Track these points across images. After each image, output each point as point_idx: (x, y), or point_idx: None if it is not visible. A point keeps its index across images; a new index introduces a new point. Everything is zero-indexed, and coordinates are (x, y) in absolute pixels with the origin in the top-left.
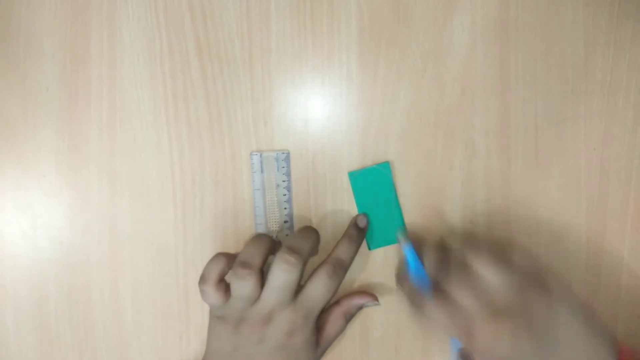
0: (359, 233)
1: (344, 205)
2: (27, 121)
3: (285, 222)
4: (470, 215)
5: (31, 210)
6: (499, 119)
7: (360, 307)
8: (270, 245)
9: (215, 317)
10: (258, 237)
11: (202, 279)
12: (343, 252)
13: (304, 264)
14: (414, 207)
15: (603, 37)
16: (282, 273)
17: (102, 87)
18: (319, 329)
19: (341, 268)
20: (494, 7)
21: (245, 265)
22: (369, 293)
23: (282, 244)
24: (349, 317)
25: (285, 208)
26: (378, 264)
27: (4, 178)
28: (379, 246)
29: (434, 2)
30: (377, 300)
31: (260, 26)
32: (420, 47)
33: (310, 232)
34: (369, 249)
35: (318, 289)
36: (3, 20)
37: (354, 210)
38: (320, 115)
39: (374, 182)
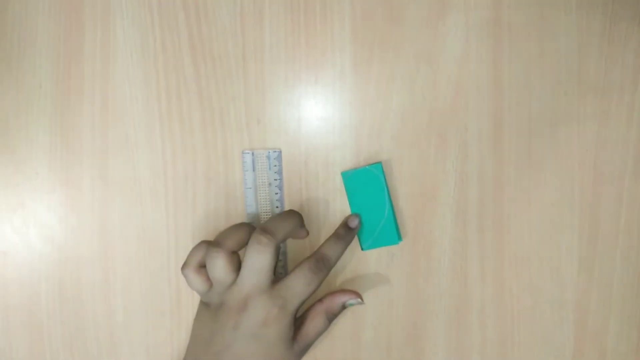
0: (348, 232)
1: (336, 204)
2: (20, 118)
3: None
4: (463, 216)
5: (23, 208)
6: (492, 120)
7: (343, 306)
8: (248, 231)
9: (202, 303)
10: (237, 224)
11: (184, 264)
12: (328, 249)
13: (277, 245)
14: (407, 208)
15: (596, 39)
16: (254, 253)
17: (95, 84)
18: (299, 326)
19: (324, 264)
20: (487, 8)
21: (215, 244)
22: (353, 291)
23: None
24: (331, 316)
25: (277, 207)
26: (371, 264)
27: None
28: (372, 247)
29: (427, 2)
30: (361, 299)
31: (253, 25)
32: (413, 48)
33: (289, 214)
34: (362, 249)
35: (298, 280)
36: None
37: (346, 209)
38: (313, 114)
39: (366, 183)
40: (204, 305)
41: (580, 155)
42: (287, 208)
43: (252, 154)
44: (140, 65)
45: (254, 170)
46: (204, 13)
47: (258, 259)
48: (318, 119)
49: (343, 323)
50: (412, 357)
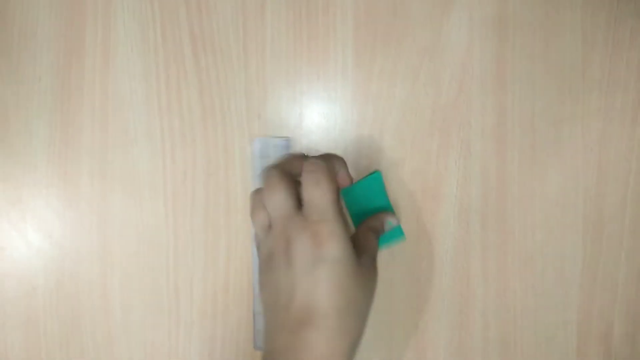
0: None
1: None
2: (20, 111)
3: None
4: (465, 215)
5: (21, 202)
6: (495, 117)
7: (383, 222)
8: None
9: (260, 273)
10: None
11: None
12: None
13: (282, 177)
14: (408, 206)
15: (601, 36)
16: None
17: (95, 78)
18: (354, 245)
19: (316, 166)
20: (492, 4)
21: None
22: (390, 213)
23: None
24: (376, 234)
25: None
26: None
27: None
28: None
29: None
30: (398, 221)
31: (255, 18)
32: (416, 43)
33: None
34: None
35: (312, 193)
36: None
37: None
38: (315, 110)
39: (367, 193)
40: (262, 272)
41: (584, 154)
42: None
43: (262, 141)
44: (140, 59)
45: (260, 157)
46: (205, 6)
47: (274, 197)
48: (319, 115)
49: None
50: (413, 358)
